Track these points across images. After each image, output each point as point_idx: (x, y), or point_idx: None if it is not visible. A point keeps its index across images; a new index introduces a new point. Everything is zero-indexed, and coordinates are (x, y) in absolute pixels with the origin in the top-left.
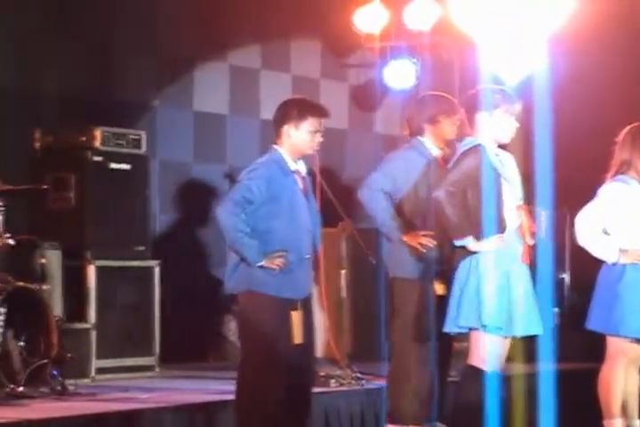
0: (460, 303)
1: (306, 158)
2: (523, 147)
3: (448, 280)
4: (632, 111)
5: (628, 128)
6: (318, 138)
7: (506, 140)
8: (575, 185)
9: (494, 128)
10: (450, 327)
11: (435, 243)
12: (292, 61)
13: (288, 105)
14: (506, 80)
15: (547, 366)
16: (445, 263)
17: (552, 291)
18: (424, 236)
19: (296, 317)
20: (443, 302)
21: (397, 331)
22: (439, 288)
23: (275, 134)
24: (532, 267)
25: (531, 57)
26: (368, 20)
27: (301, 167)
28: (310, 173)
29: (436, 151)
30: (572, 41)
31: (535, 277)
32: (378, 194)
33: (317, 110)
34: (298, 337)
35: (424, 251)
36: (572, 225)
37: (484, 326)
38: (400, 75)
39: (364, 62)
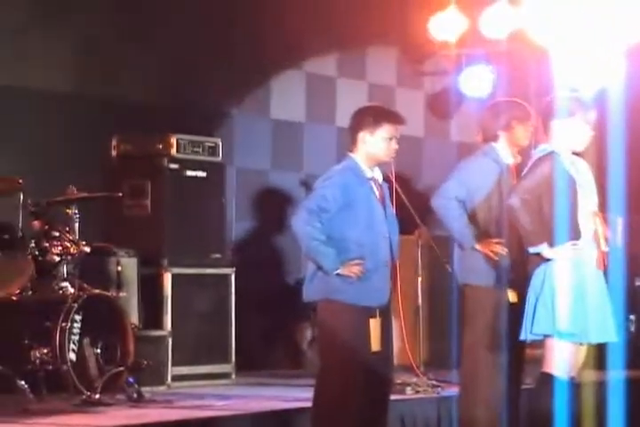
0: (536, 310)
1: (382, 166)
2: (597, 155)
3: (521, 288)
4: None
5: None
6: (394, 145)
7: (580, 147)
8: None
9: (569, 135)
10: (525, 334)
11: (507, 250)
12: (368, 69)
13: (363, 112)
14: (581, 90)
15: (619, 374)
16: (518, 271)
17: (626, 298)
18: (497, 243)
19: (374, 324)
20: (515, 309)
21: (469, 339)
22: (512, 296)
23: (350, 142)
24: (607, 274)
25: (607, 68)
26: (444, 28)
27: (377, 175)
28: (386, 180)
29: (509, 158)
30: None
31: (609, 283)
32: (451, 202)
33: (393, 117)
34: (376, 345)
35: (497, 258)
36: None
37: (558, 333)
38: (476, 82)
39: (440, 70)
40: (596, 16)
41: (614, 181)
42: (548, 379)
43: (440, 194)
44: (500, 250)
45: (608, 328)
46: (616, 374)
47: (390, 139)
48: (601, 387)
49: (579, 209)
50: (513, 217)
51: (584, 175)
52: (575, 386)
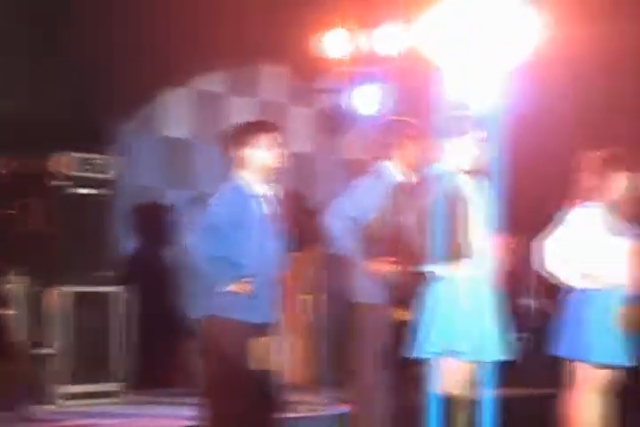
0: (423, 328)
1: (271, 182)
2: (491, 172)
3: (411, 306)
4: (594, 139)
5: (595, 155)
6: (278, 151)
7: (473, 166)
8: (542, 211)
9: (461, 154)
10: (417, 352)
11: (397, 268)
12: (260, 86)
13: (237, 129)
14: (472, 107)
15: (511, 392)
16: (409, 289)
17: (516, 316)
18: (388, 262)
19: (263, 342)
20: (404, 327)
21: (361, 356)
22: (402, 314)
23: (235, 162)
24: (498, 292)
25: (496, 85)
26: (336, 45)
27: (267, 191)
28: (276, 197)
29: (400, 176)
30: (537, 70)
31: (501, 302)
32: (342, 220)
33: (266, 126)
34: (265, 363)
35: (387, 276)
36: (538, 251)
37: (446, 351)
38: (367, 100)
39: (332, 87)
40: (485, 35)
41: (503, 200)
42: (435, 397)
43: (331, 212)
44: (391, 268)
45: (496, 347)
46: (504, 393)
47: (272, 147)
48: (496, 405)
49: (470, 228)
50: (405, 236)
51: (476, 194)
52: (463, 404)
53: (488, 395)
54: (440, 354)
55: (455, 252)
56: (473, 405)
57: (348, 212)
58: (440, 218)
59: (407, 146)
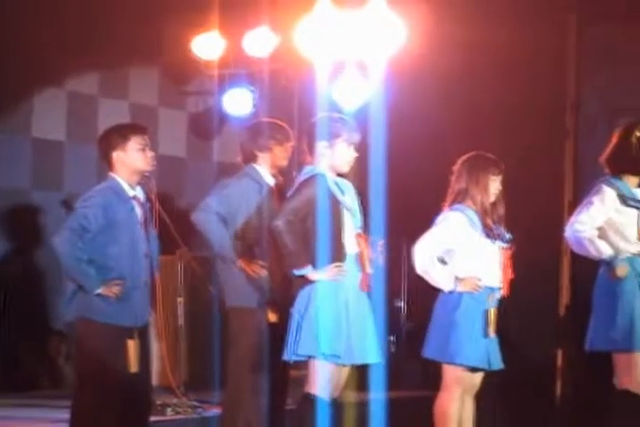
0: (299, 332)
1: (142, 185)
2: (361, 175)
3: (282, 309)
4: (469, 140)
5: (464, 157)
6: (149, 153)
7: (345, 169)
8: (413, 214)
9: (333, 157)
10: (289, 355)
11: (269, 271)
12: (131, 88)
13: (108, 133)
14: (344, 107)
15: (381, 394)
16: (281, 292)
17: (388, 319)
18: (257, 263)
19: (132, 345)
20: (276, 330)
21: (232, 359)
22: (272, 316)
23: (107, 164)
24: (370, 295)
25: (367, 84)
26: (207, 48)
27: (139, 194)
28: (148, 199)
29: (269, 179)
30: (410, 69)
31: (372, 305)
32: (212, 216)
33: (136, 128)
34: (134, 365)
35: (257, 278)
36: (410, 254)
37: (322, 355)
38: (238, 102)
39: (203, 90)
40: (354, 30)
41: (375, 203)
42: (310, 400)
43: (201, 208)
44: (261, 270)
45: (370, 350)
46: (377, 395)
47: (143, 149)
48: (363, 408)
49: (343, 231)
50: (277, 239)
51: (348, 197)
52: (337, 407)
53: (367, 398)
54: (314, 357)
55: (327, 255)
56: (346, 407)
57: (218, 209)
58: (312, 221)
59: (275, 148)
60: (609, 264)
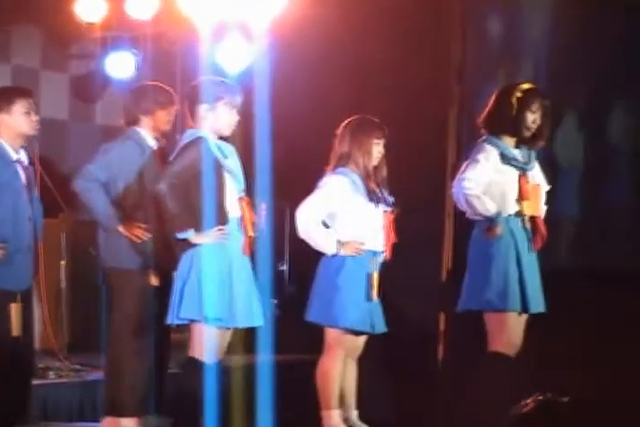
0: (182, 295)
1: (25, 148)
2: (243, 138)
3: (165, 272)
4: (352, 104)
5: (347, 121)
6: (34, 117)
7: (227, 132)
8: (296, 177)
9: (215, 120)
10: (171, 319)
11: (149, 235)
12: (12, 51)
13: None
14: (227, 70)
15: (265, 358)
16: (163, 255)
17: (271, 282)
18: (140, 227)
19: (15, 309)
20: (159, 293)
21: (114, 322)
22: (154, 280)
23: None
24: (253, 258)
25: (251, 47)
26: (89, 10)
27: (23, 157)
28: (31, 163)
29: (151, 142)
30: (293, 30)
31: (255, 268)
32: (93, 184)
33: (22, 92)
34: (17, 330)
35: (139, 242)
36: (293, 217)
37: (205, 318)
38: (120, 65)
39: (85, 53)
40: None
41: (260, 166)
42: (193, 363)
43: (81, 176)
44: (143, 234)
45: (254, 313)
46: (264, 358)
47: (28, 113)
48: (249, 371)
49: (225, 194)
50: (159, 202)
51: (231, 160)
52: (223, 370)
53: (252, 361)
54: (195, 321)
55: (210, 218)
56: (231, 371)
57: (100, 176)
58: (195, 184)
59: (158, 111)
60: (489, 222)
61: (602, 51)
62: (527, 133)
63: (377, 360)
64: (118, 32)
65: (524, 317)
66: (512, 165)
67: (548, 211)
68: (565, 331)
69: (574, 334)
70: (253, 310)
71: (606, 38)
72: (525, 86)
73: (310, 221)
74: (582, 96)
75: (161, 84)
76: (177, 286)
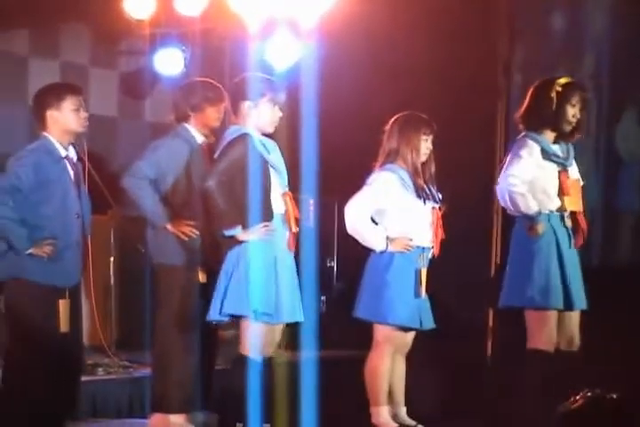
0: (228, 291)
1: (75, 145)
2: (291, 134)
3: (213, 269)
4: (400, 100)
5: (395, 117)
6: (83, 114)
7: (270, 129)
8: (344, 173)
9: (258, 117)
10: (214, 315)
11: (198, 232)
12: (61, 48)
13: (44, 91)
14: (275, 67)
15: (312, 354)
16: (211, 252)
17: (319, 279)
18: (187, 224)
19: (63, 305)
20: (205, 290)
21: (161, 318)
22: (202, 276)
23: (40, 122)
24: (297, 254)
25: (299, 43)
26: (138, 7)
27: (72, 153)
28: (80, 159)
29: (200, 138)
30: (342, 27)
31: (303, 264)
32: (142, 182)
33: (72, 88)
34: (65, 325)
35: (187, 239)
36: (341, 213)
37: (253, 313)
38: (169, 62)
39: (135, 49)
40: None
41: (306, 163)
42: (241, 360)
43: (131, 173)
44: (191, 231)
45: (296, 309)
46: (309, 355)
47: (77, 110)
48: (294, 367)
49: (271, 190)
50: (208, 199)
51: (274, 156)
52: (269, 366)
53: (299, 357)
54: (244, 317)
55: (256, 214)
56: (279, 366)
57: (148, 173)
58: (240, 181)
59: (207, 108)
60: (530, 221)
61: None
62: (568, 128)
63: (425, 357)
64: (167, 29)
65: (577, 314)
66: (552, 161)
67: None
68: (613, 327)
69: (622, 330)
70: (296, 306)
71: None
72: (564, 80)
73: (359, 217)
74: None
75: (211, 81)
76: (221, 282)
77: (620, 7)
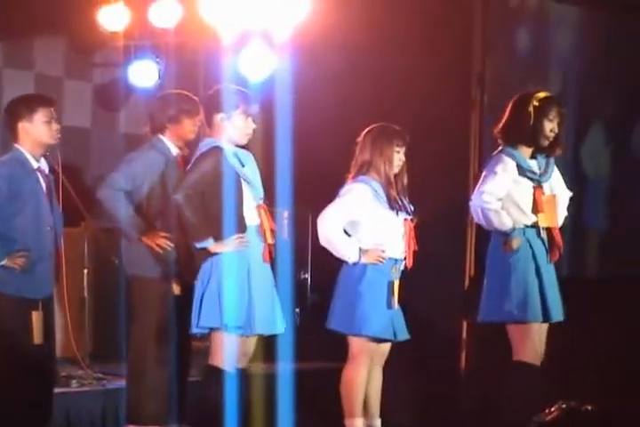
0: (202, 304)
1: (47, 156)
2: (265, 146)
3: (187, 281)
4: (374, 112)
5: (367, 129)
6: (55, 126)
7: (243, 141)
8: (317, 185)
9: (231, 129)
10: (195, 328)
11: (172, 244)
12: (36, 59)
13: (16, 103)
14: (250, 79)
15: (287, 366)
16: (185, 264)
17: (293, 290)
18: (162, 236)
19: (36, 317)
20: (180, 302)
21: (135, 330)
22: (176, 288)
23: (11, 135)
24: (273, 266)
25: (273, 55)
26: (113, 19)
27: (44, 165)
28: (52, 171)
29: (175, 150)
30: (316, 39)
31: (277, 276)
32: (118, 193)
33: (45, 100)
34: (38, 337)
35: (161, 251)
36: (314, 225)
37: (224, 326)
38: (144, 74)
39: (109, 61)
40: (261, 1)
41: (281, 174)
42: (214, 371)
43: (106, 185)
44: (165, 243)
45: (275, 320)
46: (284, 367)
47: (49, 122)
48: (270, 379)
49: (243, 202)
50: (178, 212)
51: (249, 168)
52: (244, 378)
53: (274, 369)
54: (217, 329)
55: (228, 227)
56: (253, 378)
57: (124, 185)
58: (212, 193)
59: (184, 120)
60: (505, 236)
61: (629, 64)
62: (545, 142)
63: (399, 368)
64: (141, 41)
65: (546, 325)
66: (527, 177)
67: (575, 222)
68: (590, 338)
69: (599, 340)
70: (275, 318)
71: (636, 51)
72: (542, 94)
73: (332, 228)
74: (610, 108)
75: (187, 93)
76: (197, 294)
77: (587, 25)
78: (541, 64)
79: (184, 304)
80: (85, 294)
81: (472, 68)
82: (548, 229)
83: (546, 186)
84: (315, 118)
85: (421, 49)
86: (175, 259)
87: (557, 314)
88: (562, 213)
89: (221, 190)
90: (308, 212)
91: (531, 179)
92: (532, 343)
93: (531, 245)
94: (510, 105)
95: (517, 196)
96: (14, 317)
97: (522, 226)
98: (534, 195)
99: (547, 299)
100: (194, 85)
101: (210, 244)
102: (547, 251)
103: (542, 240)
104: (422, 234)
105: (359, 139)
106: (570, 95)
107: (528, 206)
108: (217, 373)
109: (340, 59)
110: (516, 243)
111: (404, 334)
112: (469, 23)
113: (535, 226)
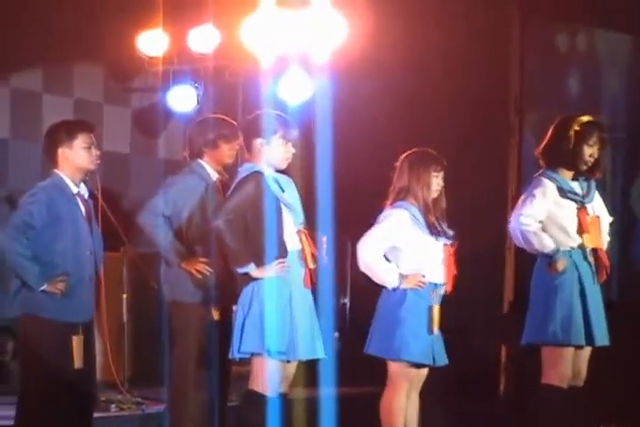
0: (244, 329)
1: (87, 182)
2: (304, 171)
3: (227, 306)
4: (412, 137)
5: (405, 154)
6: (95, 152)
7: (282, 166)
8: (357, 211)
9: (271, 154)
10: (233, 353)
11: (211, 270)
12: (75, 85)
13: (55, 129)
14: (288, 103)
15: (328, 391)
16: (225, 289)
17: (333, 315)
18: (201, 262)
19: (77, 341)
20: (220, 327)
21: (176, 355)
22: (215, 314)
23: (51, 161)
24: (314, 291)
25: (312, 79)
26: (151, 44)
27: (83, 190)
28: (92, 196)
29: (215, 175)
30: (354, 62)
31: (317, 301)
32: (158, 218)
33: (84, 126)
34: (78, 362)
35: (201, 277)
36: (354, 250)
37: (267, 351)
38: (182, 99)
39: (148, 86)
40: (300, 26)
41: (321, 199)
42: (254, 396)
43: (146, 210)
44: (204, 269)
45: (316, 345)
46: (325, 392)
47: (89, 147)
48: (311, 403)
49: (284, 228)
50: (219, 238)
51: (289, 193)
52: (285, 403)
53: (315, 394)
54: (258, 354)
55: (269, 252)
56: (294, 403)
57: (164, 210)
58: (252, 218)
59: (222, 145)
60: (549, 258)
61: None
62: (584, 167)
63: (439, 393)
64: (180, 66)
65: (588, 349)
66: (570, 199)
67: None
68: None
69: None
70: (315, 343)
71: None
72: (584, 119)
73: (371, 254)
74: None
75: (225, 118)
76: (238, 320)
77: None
78: (578, 85)
79: (223, 329)
80: (124, 318)
81: (509, 91)
82: (594, 251)
83: (589, 207)
84: (353, 143)
85: (457, 73)
86: (214, 284)
87: (602, 338)
88: (605, 237)
89: (262, 215)
90: (348, 237)
91: (574, 200)
92: (563, 368)
93: (577, 268)
94: (552, 127)
95: (561, 218)
96: (55, 341)
97: (567, 248)
98: (579, 216)
99: (591, 322)
100: (232, 110)
101: (251, 269)
102: (593, 273)
103: (589, 262)
104: (462, 259)
105: (397, 164)
106: (618, 133)
107: (573, 228)
108: (258, 398)
109: (378, 83)
110: (561, 265)
111: (443, 360)
112: (505, 46)
113: (581, 248)
